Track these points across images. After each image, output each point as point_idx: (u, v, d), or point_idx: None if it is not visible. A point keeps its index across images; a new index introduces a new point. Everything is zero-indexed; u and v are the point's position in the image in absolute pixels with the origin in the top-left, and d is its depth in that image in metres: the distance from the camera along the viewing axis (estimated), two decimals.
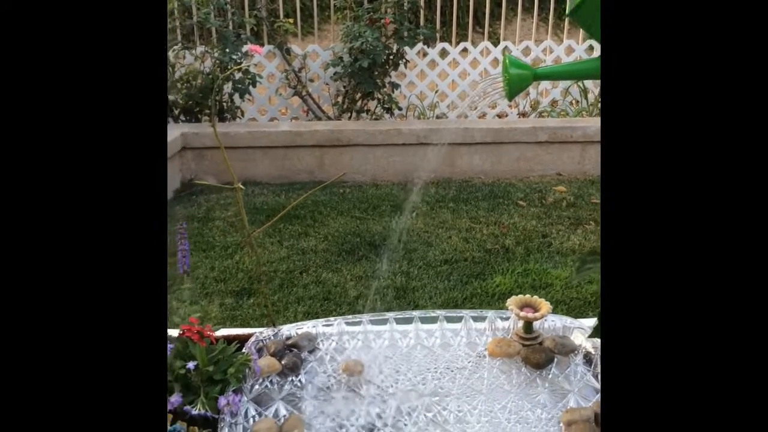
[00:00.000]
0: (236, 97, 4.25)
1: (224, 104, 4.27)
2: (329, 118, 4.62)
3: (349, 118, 4.58)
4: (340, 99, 4.55)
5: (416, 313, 1.47)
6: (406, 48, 4.41)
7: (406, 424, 1.19)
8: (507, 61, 1.06)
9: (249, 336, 1.36)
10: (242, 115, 4.48)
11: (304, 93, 4.61)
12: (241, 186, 1.39)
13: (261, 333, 1.38)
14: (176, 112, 4.24)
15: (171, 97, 4.18)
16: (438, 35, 4.98)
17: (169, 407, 1.15)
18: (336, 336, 1.41)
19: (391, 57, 4.37)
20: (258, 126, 4.32)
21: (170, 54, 4.13)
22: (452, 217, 3.60)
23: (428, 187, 4.09)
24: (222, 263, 3.06)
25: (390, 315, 1.46)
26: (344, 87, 4.50)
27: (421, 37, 4.58)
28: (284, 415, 1.21)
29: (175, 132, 3.89)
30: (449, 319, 1.46)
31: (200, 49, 4.22)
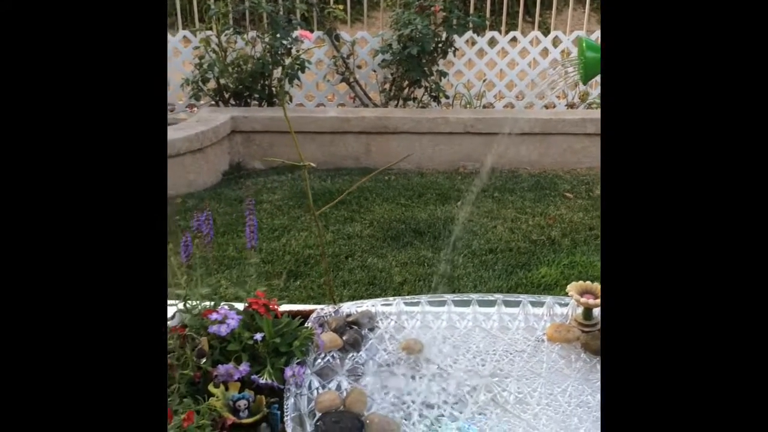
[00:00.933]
0: (285, 82, 4.30)
1: (273, 89, 4.32)
2: (375, 105, 4.64)
3: (396, 105, 4.59)
4: (387, 86, 4.57)
5: (474, 296, 1.48)
6: (455, 36, 4.40)
7: (466, 404, 1.21)
8: (583, 44, 1.06)
9: (310, 312, 1.39)
10: (290, 100, 4.53)
11: (351, 79, 4.63)
12: (312, 164, 1.42)
13: (322, 309, 1.41)
14: (226, 95, 4.31)
15: (222, 81, 4.24)
16: (487, 24, 4.95)
17: (237, 375, 1.19)
18: (395, 315, 1.44)
19: (440, 45, 4.37)
20: (305, 111, 4.36)
21: (222, 38, 4.19)
22: (497, 207, 3.60)
23: (474, 176, 4.09)
24: (269, 245, 3.10)
25: (448, 297, 1.47)
26: (392, 74, 4.51)
27: (471, 26, 4.56)
28: (346, 389, 1.24)
29: (225, 116, 3.95)
30: (507, 303, 1.47)
31: (251, 33, 4.27)
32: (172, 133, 3.59)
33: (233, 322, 1.22)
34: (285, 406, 1.15)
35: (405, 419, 1.17)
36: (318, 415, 1.17)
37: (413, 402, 1.21)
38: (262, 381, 1.19)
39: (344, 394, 1.23)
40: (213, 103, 4.40)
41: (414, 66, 4.25)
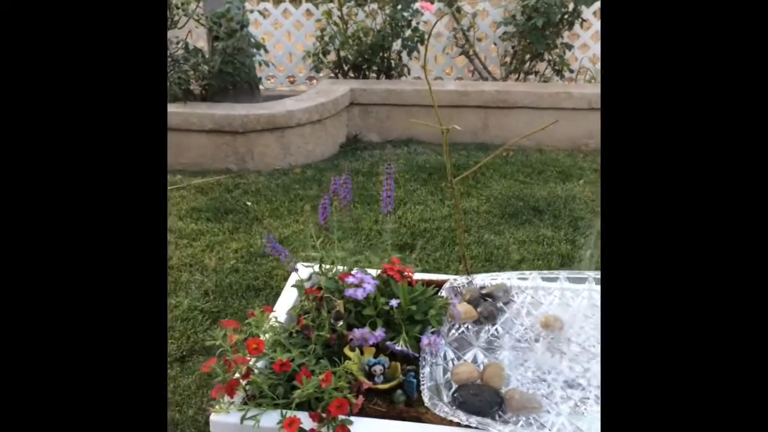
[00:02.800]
0: (404, 54, 4.26)
1: (392, 61, 4.29)
2: (495, 79, 4.52)
3: (516, 79, 4.44)
4: (507, 59, 4.43)
5: None
6: (583, 6, 4.19)
7: None
8: None
9: (443, 282, 1.36)
10: (408, 72, 4.49)
11: (471, 53, 4.52)
12: (457, 127, 1.37)
13: (455, 280, 1.36)
14: (346, 68, 4.33)
15: (342, 54, 4.26)
16: None
17: (372, 340, 1.17)
18: (531, 290, 1.37)
19: (566, 16, 4.17)
20: (424, 84, 4.31)
21: (343, 11, 4.20)
22: None
23: (597, 154, 3.90)
24: (384, 217, 3.09)
25: (589, 274, 1.39)
26: (513, 47, 4.36)
27: None
28: (482, 362, 1.20)
29: (344, 87, 3.97)
30: None
31: (372, 5, 4.25)
32: (293, 104, 3.64)
33: (369, 286, 1.20)
34: (421, 375, 1.12)
35: (546, 397, 1.11)
36: (455, 386, 1.13)
37: (554, 380, 1.15)
38: (397, 348, 1.16)
39: (481, 367, 1.18)
40: (332, 75, 4.43)
41: (537, 38, 4.09)
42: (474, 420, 1.02)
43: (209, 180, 3.43)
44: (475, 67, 4.59)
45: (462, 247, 1.54)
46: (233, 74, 3.69)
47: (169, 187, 3.32)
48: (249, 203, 3.18)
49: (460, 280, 1.37)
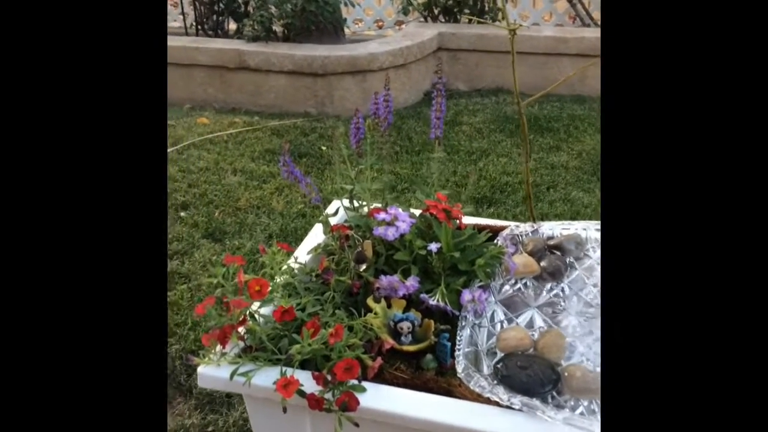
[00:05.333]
0: None
1: (486, 4, 3.93)
2: (598, 26, 4.07)
3: None
4: None
5: None
6: None
7: None
8: None
9: (501, 228, 1.09)
10: (502, 18, 4.11)
11: None
12: (524, 24, 1.08)
13: (517, 227, 1.09)
14: (436, 11, 4.01)
15: None
16: None
17: (402, 291, 0.93)
18: None
19: None
20: (519, 30, 3.93)
21: None
22: None
23: None
24: (465, 168, 2.83)
25: None
26: None
27: None
28: (540, 327, 0.93)
29: (432, 31, 3.67)
30: None
31: None
32: (376, 47, 3.39)
33: (404, 225, 0.95)
34: (458, 338, 0.87)
35: None
36: (499, 355, 0.87)
37: None
38: (433, 302, 0.91)
39: (536, 334, 0.92)
40: (422, 19, 4.13)
41: None
42: (517, 400, 0.77)
43: (286, 122, 3.28)
44: (577, 12, 4.14)
45: (528, 186, 1.26)
46: (316, 13, 3.48)
47: (245, 128, 3.20)
48: (324, 148, 3.00)
49: (523, 227, 1.09)
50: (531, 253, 1.03)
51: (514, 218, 2.39)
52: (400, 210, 0.98)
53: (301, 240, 2.31)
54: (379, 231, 0.94)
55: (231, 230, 2.34)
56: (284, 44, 3.47)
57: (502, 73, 3.70)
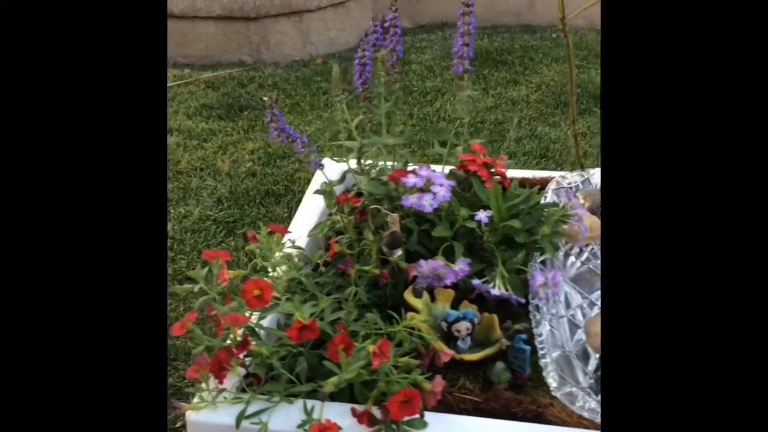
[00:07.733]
0: None
1: None
2: None
3: None
4: None
5: None
6: None
7: None
8: None
9: (546, 180, 0.84)
10: None
11: None
12: None
13: (563, 178, 0.85)
14: None
15: None
16: None
17: (450, 279, 0.67)
18: None
19: None
20: None
21: None
22: None
23: None
24: (420, 110, 2.57)
25: None
26: None
27: None
28: None
29: None
30: None
31: None
32: None
33: (442, 191, 0.69)
34: (537, 337, 0.63)
35: None
36: (594, 356, 0.64)
37: None
38: (494, 291, 0.67)
39: None
40: None
41: None
42: None
43: (220, 74, 2.92)
44: None
45: (573, 123, 1.02)
46: None
47: (176, 83, 2.83)
48: (265, 98, 2.68)
49: (571, 177, 0.85)
50: (591, 211, 0.79)
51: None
52: (433, 170, 0.72)
53: (257, 204, 2.04)
54: (411, 201, 0.68)
55: (174, 196, 2.03)
56: None
57: (444, 6, 3.42)
